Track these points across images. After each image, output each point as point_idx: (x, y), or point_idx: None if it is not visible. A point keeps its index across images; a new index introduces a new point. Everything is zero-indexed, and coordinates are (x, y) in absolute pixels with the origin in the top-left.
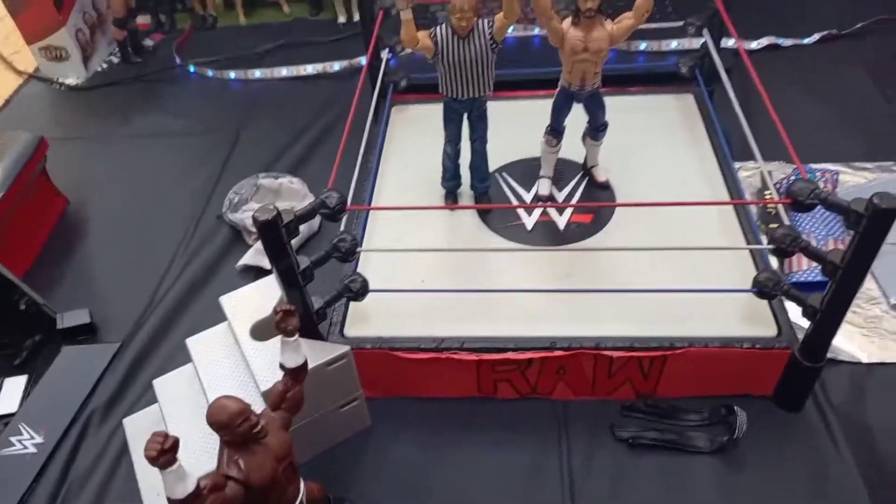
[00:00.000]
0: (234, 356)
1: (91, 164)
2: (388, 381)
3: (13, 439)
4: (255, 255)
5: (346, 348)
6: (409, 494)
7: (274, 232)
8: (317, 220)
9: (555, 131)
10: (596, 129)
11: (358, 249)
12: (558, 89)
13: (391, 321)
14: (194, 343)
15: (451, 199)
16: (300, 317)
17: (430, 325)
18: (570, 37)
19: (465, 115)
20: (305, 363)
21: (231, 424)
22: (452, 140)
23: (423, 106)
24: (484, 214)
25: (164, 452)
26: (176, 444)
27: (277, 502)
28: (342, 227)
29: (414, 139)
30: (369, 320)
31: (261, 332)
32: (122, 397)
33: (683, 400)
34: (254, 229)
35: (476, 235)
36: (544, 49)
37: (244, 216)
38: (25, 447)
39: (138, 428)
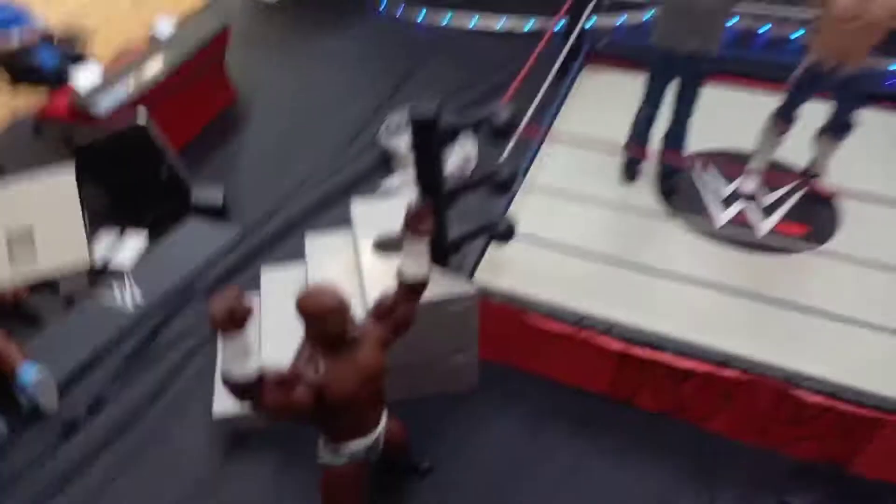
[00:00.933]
0: (348, 263)
1: (267, 70)
2: (509, 347)
3: (117, 293)
4: (398, 182)
5: (473, 289)
6: (496, 486)
7: (428, 132)
8: (471, 163)
9: (786, 115)
10: (840, 127)
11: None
12: (803, 65)
13: (528, 280)
14: (312, 240)
15: (631, 173)
16: (434, 248)
17: (574, 296)
18: None
19: (676, 77)
20: (426, 279)
21: (321, 317)
22: (652, 101)
23: (615, 74)
24: (666, 195)
25: (233, 314)
26: (248, 311)
27: (351, 428)
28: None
29: (599, 106)
30: (504, 273)
31: (384, 247)
32: (229, 280)
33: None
34: (404, 154)
35: (652, 214)
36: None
37: (397, 143)
38: (125, 302)
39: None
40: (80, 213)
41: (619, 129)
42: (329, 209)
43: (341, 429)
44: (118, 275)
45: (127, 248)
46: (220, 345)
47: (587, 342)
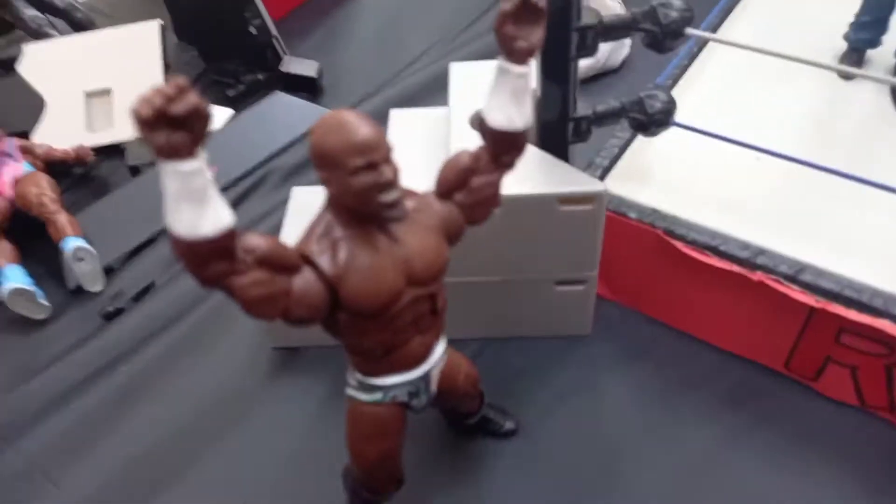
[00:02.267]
0: (437, 140)
1: None
2: (640, 285)
3: None
4: None
5: (601, 187)
6: (599, 468)
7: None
8: (622, 51)
9: None
10: None
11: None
12: None
13: (681, 195)
14: (398, 115)
15: (855, 59)
16: (550, 123)
17: (746, 224)
18: None
19: None
20: (524, 133)
21: (346, 156)
22: None
23: None
24: None
25: (171, 114)
26: (200, 110)
27: (385, 354)
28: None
29: None
30: (646, 184)
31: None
32: (309, 168)
33: None
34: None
35: (878, 123)
36: None
37: None
38: None
39: (303, 202)
40: (161, 73)
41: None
42: (433, 95)
43: (369, 352)
44: None
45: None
46: (162, 180)
47: (763, 286)
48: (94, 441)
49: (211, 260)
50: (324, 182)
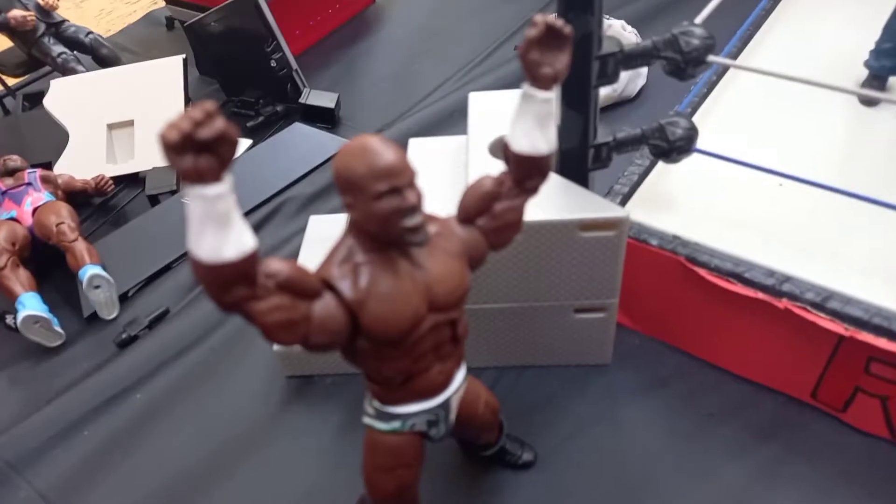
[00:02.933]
0: (455, 168)
1: None
2: (662, 313)
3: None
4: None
5: (623, 213)
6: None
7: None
8: (638, 81)
9: None
10: None
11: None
12: None
13: (703, 222)
14: (417, 144)
15: (877, 86)
16: (570, 150)
17: (770, 250)
18: None
19: None
20: (548, 158)
21: (370, 181)
22: None
23: None
24: None
25: (200, 139)
26: (227, 134)
27: (404, 381)
28: (681, 107)
29: (820, 14)
30: (665, 211)
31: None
32: (327, 197)
33: None
34: None
35: None
36: None
37: None
38: None
39: (320, 230)
40: (183, 105)
41: (850, 38)
42: (449, 126)
43: (389, 380)
44: None
45: None
46: (187, 205)
47: (790, 314)
48: (107, 470)
49: (232, 284)
50: (347, 207)
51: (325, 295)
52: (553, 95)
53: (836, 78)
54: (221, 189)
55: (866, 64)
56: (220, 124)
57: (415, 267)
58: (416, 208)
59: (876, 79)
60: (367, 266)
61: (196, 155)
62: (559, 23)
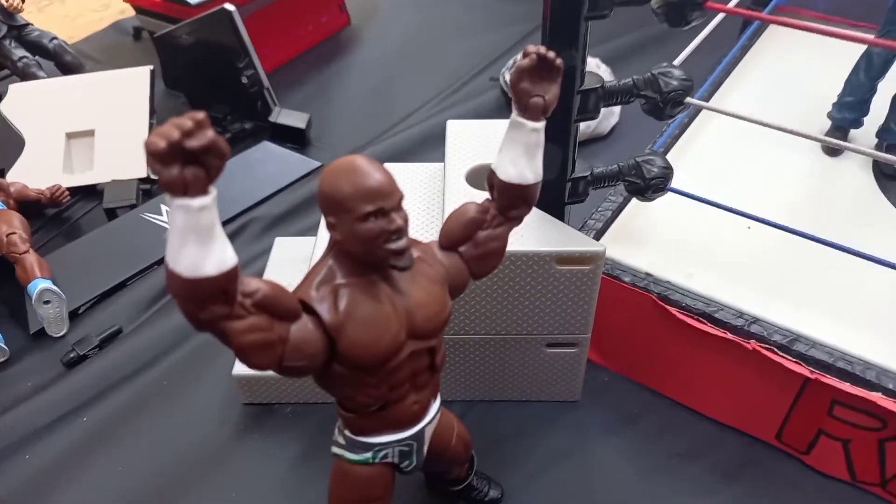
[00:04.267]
0: (431, 195)
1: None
2: (634, 351)
3: (164, 209)
4: None
5: (600, 248)
6: None
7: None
8: (611, 119)
9: None
10: None
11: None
12: None
13: (676, 260)
14: (392, 169)
15: (839, 136)
16: (548, 183)
17: (739, 291)
18: None
19: None
20: (534, 187)
21: (356, 202)
22: (870, 72)
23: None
24: (885, 178)
25: (179, 148)
26: (217, 146)
27: (379, 410)
28: (655, 146)
29: (790, 60)
30: (639, 248)
31: (478, 179)
32: (293, 219)
33: None
34: None
35: (863, 199)
36: None
37: None
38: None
39: (286, 252)
40: (147, 118)
41: (815, 90)
42: (422, 152)
43: (363, 407)
44: None
45: None
46: (169, 216)
47: (755, 357)
48: (49, 497)
49: (210, 301)
50: (329, 227)
51: (303, 317)
52: (542, 125)
53: (805, 122)
54: (206, 201)
55: (829, 115)
56: (210, 134)
57: (395, 292)
58: (402, 231)
59: (837, 130)
60: (347, 289)
61: (183, 165)
62: (551, 54)
